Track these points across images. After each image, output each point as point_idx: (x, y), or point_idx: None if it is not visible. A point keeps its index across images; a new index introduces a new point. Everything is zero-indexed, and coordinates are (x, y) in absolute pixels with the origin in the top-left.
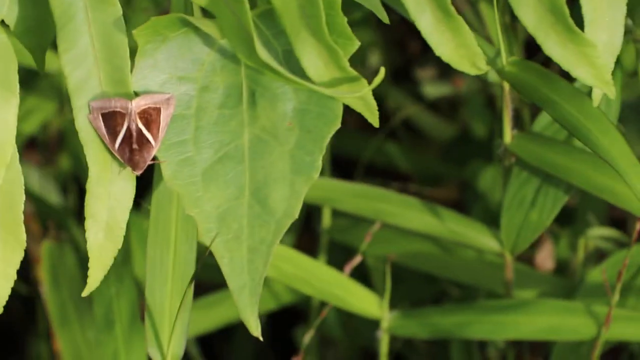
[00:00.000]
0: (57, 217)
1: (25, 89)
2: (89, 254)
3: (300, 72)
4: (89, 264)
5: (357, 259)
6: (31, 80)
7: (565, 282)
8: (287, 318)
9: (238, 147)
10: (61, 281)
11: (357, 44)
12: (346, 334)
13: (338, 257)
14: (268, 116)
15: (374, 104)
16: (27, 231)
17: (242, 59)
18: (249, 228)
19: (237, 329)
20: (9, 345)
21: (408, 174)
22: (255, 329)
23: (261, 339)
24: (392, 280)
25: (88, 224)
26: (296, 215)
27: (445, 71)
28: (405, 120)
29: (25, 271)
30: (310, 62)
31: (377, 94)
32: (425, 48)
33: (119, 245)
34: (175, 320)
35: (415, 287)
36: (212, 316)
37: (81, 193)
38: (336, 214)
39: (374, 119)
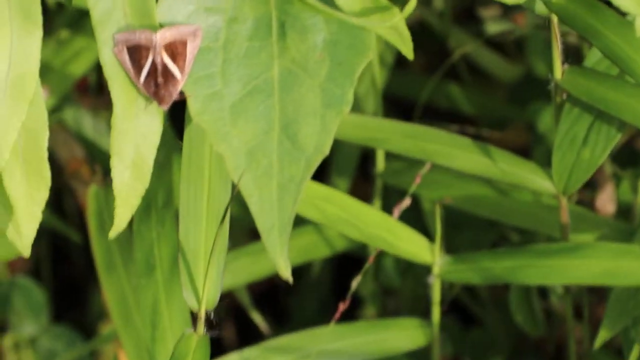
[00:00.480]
0: (107, 162)
1: (74, 29)
2: (115, 194)
3: (330, 2)
4: (115, 204)
5: (407, 202)
6: (80, 20)
7: (626, 226)
8: (351, 268)
9: (267, 80)
10: (107, 226)
11: None
12: (406, 283)
13: (395, 203)
14: (298, 48)
15: (407, 34)
16: (78, 176)
17: None
18: (278, 164)
19: (302, 281)
20: (72, 298)
21: (472, 117)
22: (285, 270)
23: (291, 280)
24: (450, 227)
25: (113, 161)
26: (327, 151)
27: (509, 12)
28: (469, 62)
29: (82, 220)
30: None
31: (438, 35)
32: None
33: (146, 184)
34: (210, 263)
35: (474, 234)
36: (264, 263)
37: None
38: (392, 158)
39: (407, 51)
